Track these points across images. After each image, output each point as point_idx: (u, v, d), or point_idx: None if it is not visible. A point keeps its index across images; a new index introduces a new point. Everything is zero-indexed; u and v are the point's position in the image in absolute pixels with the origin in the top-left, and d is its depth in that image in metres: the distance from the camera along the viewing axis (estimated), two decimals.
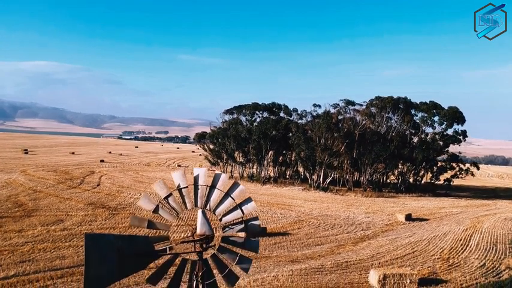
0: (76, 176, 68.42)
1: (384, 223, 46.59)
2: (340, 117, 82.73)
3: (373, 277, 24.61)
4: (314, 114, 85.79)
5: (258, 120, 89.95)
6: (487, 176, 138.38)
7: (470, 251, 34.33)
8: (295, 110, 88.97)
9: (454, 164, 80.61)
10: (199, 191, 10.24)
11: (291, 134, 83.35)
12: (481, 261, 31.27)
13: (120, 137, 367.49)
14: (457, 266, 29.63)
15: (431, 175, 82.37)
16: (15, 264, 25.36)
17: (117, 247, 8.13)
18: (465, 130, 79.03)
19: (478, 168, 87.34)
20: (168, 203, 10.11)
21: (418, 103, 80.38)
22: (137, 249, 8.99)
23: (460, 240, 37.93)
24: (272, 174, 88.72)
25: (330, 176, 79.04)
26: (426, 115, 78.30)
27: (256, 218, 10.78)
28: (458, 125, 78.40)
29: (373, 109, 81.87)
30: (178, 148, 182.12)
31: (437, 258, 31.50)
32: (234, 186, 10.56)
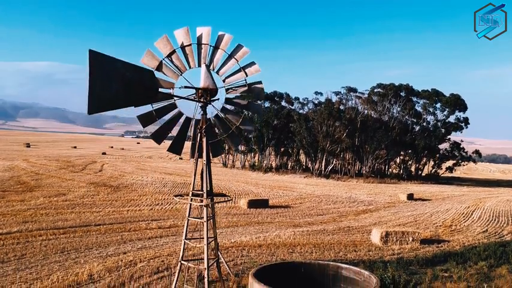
0: (78, 164, 68.45)
1: (385, 201, 46.52)
2: (341, 107, 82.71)
3: (376, 235, 24.56)
4: (316, 102, 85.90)
5: None
6: (489, 172, 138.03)
7: (473, 221, 34.28)
8: (297, 99, 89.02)
9: (455, 152, 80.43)
10: (202, 50, 10.18)
11: (292, 125, 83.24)
12: (484, 228, 31.22)
13: (122, 136, 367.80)
14: (459, 231, 29.57)
15: (433, 163, 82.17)
16: (18, 223, 25.41)
17: (124, 74, 8.08)
18: (467, 117, 78.84)
19: (480, 156, 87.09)
20: (171, 61, 10.07)
21: (419, 90, 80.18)
22: (143, 80, 8.97)
23: (463, 214, 37.88)
24: (274, 164, 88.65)
25: (332, 164, 78.95)
26: (428, 102, 78.01)
27: (259, 82, 10.71)
28: (460, 112, 78.19)
29: (375, 98, 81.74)
30: None
31: (440, 226, 31.44)
32: (238, 48, 10.44)
